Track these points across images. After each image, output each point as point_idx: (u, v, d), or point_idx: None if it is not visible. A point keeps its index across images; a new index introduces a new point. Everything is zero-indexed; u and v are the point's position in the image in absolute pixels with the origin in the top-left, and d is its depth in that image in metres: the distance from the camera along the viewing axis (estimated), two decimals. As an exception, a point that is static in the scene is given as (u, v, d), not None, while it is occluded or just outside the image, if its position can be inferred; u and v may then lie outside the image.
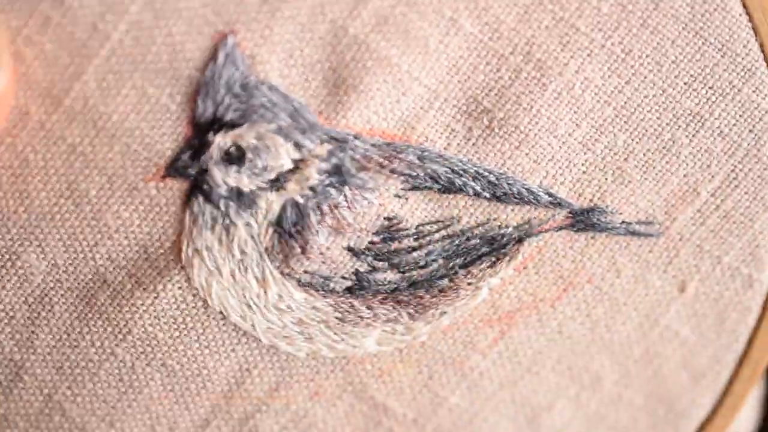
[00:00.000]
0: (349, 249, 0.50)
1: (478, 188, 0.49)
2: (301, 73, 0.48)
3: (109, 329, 0.50)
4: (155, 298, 0.50)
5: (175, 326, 0.50)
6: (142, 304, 0.50)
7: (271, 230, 0.49)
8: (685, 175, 0.51)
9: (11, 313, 0.50)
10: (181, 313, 0.50)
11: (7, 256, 0.49)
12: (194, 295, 0.50)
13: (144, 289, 0.50)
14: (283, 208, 0.49)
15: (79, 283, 0.50)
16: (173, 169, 0.48)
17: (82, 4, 0.46)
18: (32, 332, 0.50)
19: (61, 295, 0.50)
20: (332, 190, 0.49)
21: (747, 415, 0.60)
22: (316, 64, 0.48)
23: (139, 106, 0.48)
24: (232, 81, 0.47)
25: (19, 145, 0.48)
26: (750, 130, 0.50)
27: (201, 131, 0.48)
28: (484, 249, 0.50)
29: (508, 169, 0.50)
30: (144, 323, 0.50)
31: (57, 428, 0.52)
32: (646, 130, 0.50)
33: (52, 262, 0.49)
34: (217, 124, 0.48)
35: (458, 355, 0.52)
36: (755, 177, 0.51)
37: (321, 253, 0.49)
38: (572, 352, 0.53)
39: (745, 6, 0.49)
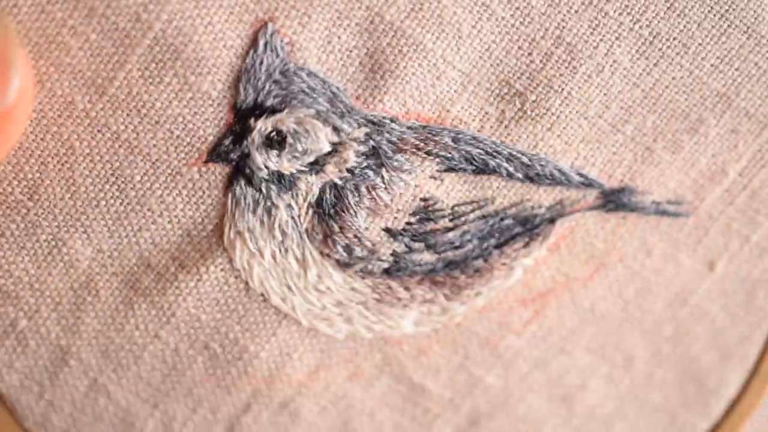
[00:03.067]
0: (387, 230, 0.51)
1: (511, 169, 0.51)
2: (339, 59, 0.49)
3: (153, 312, 0.52)
4: (198, 280, 0.51)
5: (218, 308, 0.52)
6: (186, 287, 0.51)
7: (311, 212, 0.50)
8: (713, 155, 0.52)
9: (57, 299, 0.51)
10: (223, 296, 0.51)
11: (53, 243, 0.51)
12: (236, 278, 0.51)
13: (187, 272, 0.51)
14: (323, 190, 0.50)
15: (123, 268, 0.51)
16: (215, 154, 0.50)
17: None
18: (78, 317, 0.52)
19: (106, 280, 0.51)
20: (370, 172, 0.50)
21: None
22: (353, 49, 0.49)
23: (181, 93, 0.49)
24: (272, 68, 0.49)
25: (64, 133, 0.49)
26: None
27: (242, 117, 0.49)
28: (518, 229, 0.52)
29: (540, 150, 0.51)
30: (188, 306, 0.51)
31: (102, 411, 0.53)
32: (675, 111, 0.51)
33: (98, 247, 0.51)
34: (258, 109, 0.49)
35: (493, 336, 0.53)
36: (781, 156, 0.52)
37: (359, 234, 0.51)
38: (605, 331, 0.54)
39: (769, -12, 0.50)
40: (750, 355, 0.56)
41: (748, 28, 0.50)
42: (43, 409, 0.53)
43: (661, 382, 0.56)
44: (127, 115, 0.49)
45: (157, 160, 0.50)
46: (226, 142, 0.50)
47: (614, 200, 0.52)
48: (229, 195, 0.50)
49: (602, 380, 0.55)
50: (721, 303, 0.54)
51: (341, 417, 0.54)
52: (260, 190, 0.50)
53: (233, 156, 0.50)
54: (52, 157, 0.50)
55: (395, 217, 0.51)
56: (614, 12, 0.50)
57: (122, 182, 0.50)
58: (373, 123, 0.50)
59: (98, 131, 0.49)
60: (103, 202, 0.50)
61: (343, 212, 0.50)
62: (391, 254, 0.51)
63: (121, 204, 0.50)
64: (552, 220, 0.52)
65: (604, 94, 0.51)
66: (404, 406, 0.54)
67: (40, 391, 0.53)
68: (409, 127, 0.50)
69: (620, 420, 0.56)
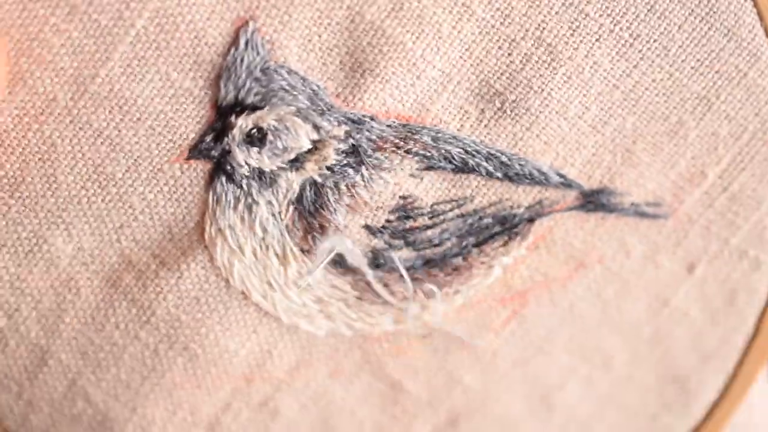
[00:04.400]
0: (366, 227, 0.51)
1: (490, 168, 0.51)
2: (319, 58, 0.50)
3: (134, 311, 0.52)
4: (179, 278, 0.51)
5: (198, 307, 0.52)
6: (166, 284, 0.51)
7: (291, 208, 0.51)
8: (692, 158, 0.52)
9: (38, 298, 0.52)
10: (204, 294, 0.52)
11: (35, 241, 0.51)
12: (217, 275, 0.51)
13: (168, 269, 0.51)
14: (303, 188, 0.50)
15: (104, 266, 0.51)
16: (197, 151, 0.50)
17: None
18: (58, 316, 0.52)
19: (87, 278, 0.51)
20: (349, 170, 0.50)
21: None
22: (334, 48, 0.50)
23: (163, 90, 0.49)
24: (253, 65, 0.49)
25: (46, 131, 0.49)
26: (756, 114, 0.52)
27: (223, 114, 0.49)
28: (497, 228, 0.52)
29: (519, 150, 0.51)
30: (168, 304, 0.52)
31: (80, 413, 0.53)
32: (654, 113, 0.51)
33: (79, 245, 0.51)
34: (239, 107, 0.49)
35: (472, 335, 0.54)
36: (761, 160, 0.52)
37: (339, 231, 0.51)
38: (583, 331, 0.54)
39: (749, -9, 0.50)
40: (730, 358, 0.56)
41: (728, 31, 0.51)
42: (22, 409, 0.53)
43: (640, 384, 0.56)
44: (109, 112, 0.49)
45: (138, 157, 0.50)
46: (208, 139, 0.50)
47: (593, 201, 0.52)
48: (210, 192, 0.50)
49: (581, 381, 0.55)
50: (700, 306, 0.55)
51: (321, 414, 0.54)
52: (241, 187, 0.50)
53: (214, 153, 0.50)
54: (34, 155, 0.50)
55: (374, 215, 0.51)
56: (594, 13, 0.50)
57: (104, 179, 0.50)
58: (353, 121, 0.50)
59: (80, 128, 0.50)
60: (85, 200, 0.50)
61: (323, 209, 0.51)
62: (370, 251, 0.51)
63: (102, 201, 0.51)
64: (531, 220, 0.52)
65: (584, 95, 0.51)
66: (384, 404, 0.55)
67: (19, 391, 0.53)
68: (388, 126, 0.50)
69: (599, 422, 0.56)
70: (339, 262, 0.51)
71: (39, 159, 0.50)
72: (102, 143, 0.50)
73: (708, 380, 0.56)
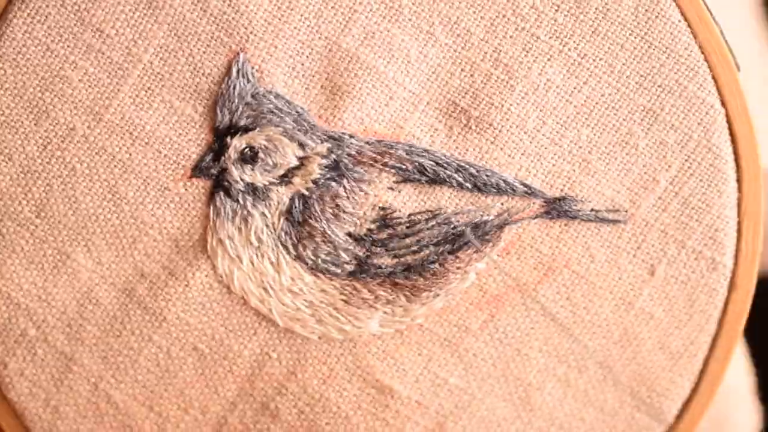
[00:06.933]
0: (349, 234, 0.57)
1: (460, 179, 0.57)
2: (302, 83, 0.57)
3: (147, 317, 0.58)
4: (186, 286, 0.58)
5: (204, 312, 0.58)
6: (175, 293, 0.58)
7: (282, 220, 0.57)
8: (644, 165, 0.58)
9: (62, 309, 0.58)
10: (208, 300, 0.58)
11: (59, 257, 0.58)
12: (219, 282, 0.58)
13: (176, 278, 0.58)
14: (292, 200, 0.57)
15: (120, 278, 0.58)
16: (198, 169, 0.57)
17: (117, 32, 0.56)
18: (80, 325, 0.58)
19: (105, 289, 0.58)
20: (333, 183, 0.57)
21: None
22: (315, 74, 0.57)
23: (168, 117, 0.56)
24: (244, 92, 0.56)
25: (67, 157, 0.57)
26: (698, 123, 0.57)
27: (220, 136, 0.56)
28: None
29: (485, 162, 0.57)
30: (177, 310, 0.58)
31: (103, 415, 0.59)
32: (606, 125, 0.57)
33: (97, 259, 0.58)
34: (233, 129, 0.56)
35: (453, 337, 0.59)
36: (707, 165, 0.58)
37: (325, 239, 0.57)
38: (556, 334, 0.59)
39: (682, 13, 0.57)
40: (697, 358, 0.60)
41: (666, 48, 0.57)
42: (49, 416, 0.59)
43: (614, 385, 0.60)
44: (121, 138, 0.57)
45: (147, 177, 0.57)
46: (207, 158, 0.57)
47: (556, 208, 0.58)
48: (211, 206, 0.57)
49: (559, 382, 0.60)
50: (664, 307, 0.59)
51: (318, 420, 0.59)
52: (237, 201, 0.57)
53: (213, 171, 0.57)
54: (56, 179, 0.57)
55: (357, 224, 0.57)
56: (545, 36, 0.56)
57: (118, 199, 0.57)
58: (334, 139, 0.57)
59: (96, 153, 0.57)
60: (102, 218, 0.57)
61: (311, 219, 0.57)
62: (354, 258, 0.57)
63: (117, 218, 0.57)
64: (500, 227, 0.58)
65: (540, 110, 0.57)
66: (376, 409, 0.60)
67: (46, 398, 0.59)
68: (366, 142, 0.57)
69: (580, 422, 0.60)
70: (326, 268, 0.57)
71: (61, 182, 0.57)
72: (115, 166, 0.57)
73: (677, 380, 0.60)
